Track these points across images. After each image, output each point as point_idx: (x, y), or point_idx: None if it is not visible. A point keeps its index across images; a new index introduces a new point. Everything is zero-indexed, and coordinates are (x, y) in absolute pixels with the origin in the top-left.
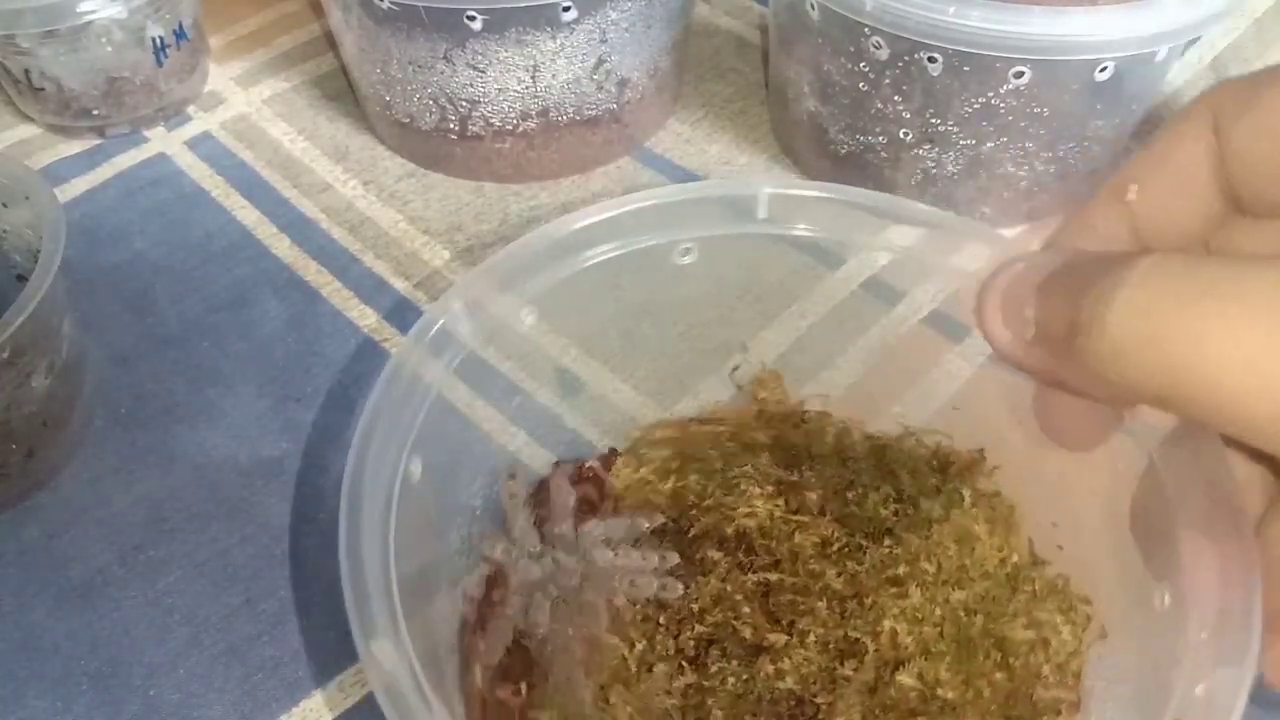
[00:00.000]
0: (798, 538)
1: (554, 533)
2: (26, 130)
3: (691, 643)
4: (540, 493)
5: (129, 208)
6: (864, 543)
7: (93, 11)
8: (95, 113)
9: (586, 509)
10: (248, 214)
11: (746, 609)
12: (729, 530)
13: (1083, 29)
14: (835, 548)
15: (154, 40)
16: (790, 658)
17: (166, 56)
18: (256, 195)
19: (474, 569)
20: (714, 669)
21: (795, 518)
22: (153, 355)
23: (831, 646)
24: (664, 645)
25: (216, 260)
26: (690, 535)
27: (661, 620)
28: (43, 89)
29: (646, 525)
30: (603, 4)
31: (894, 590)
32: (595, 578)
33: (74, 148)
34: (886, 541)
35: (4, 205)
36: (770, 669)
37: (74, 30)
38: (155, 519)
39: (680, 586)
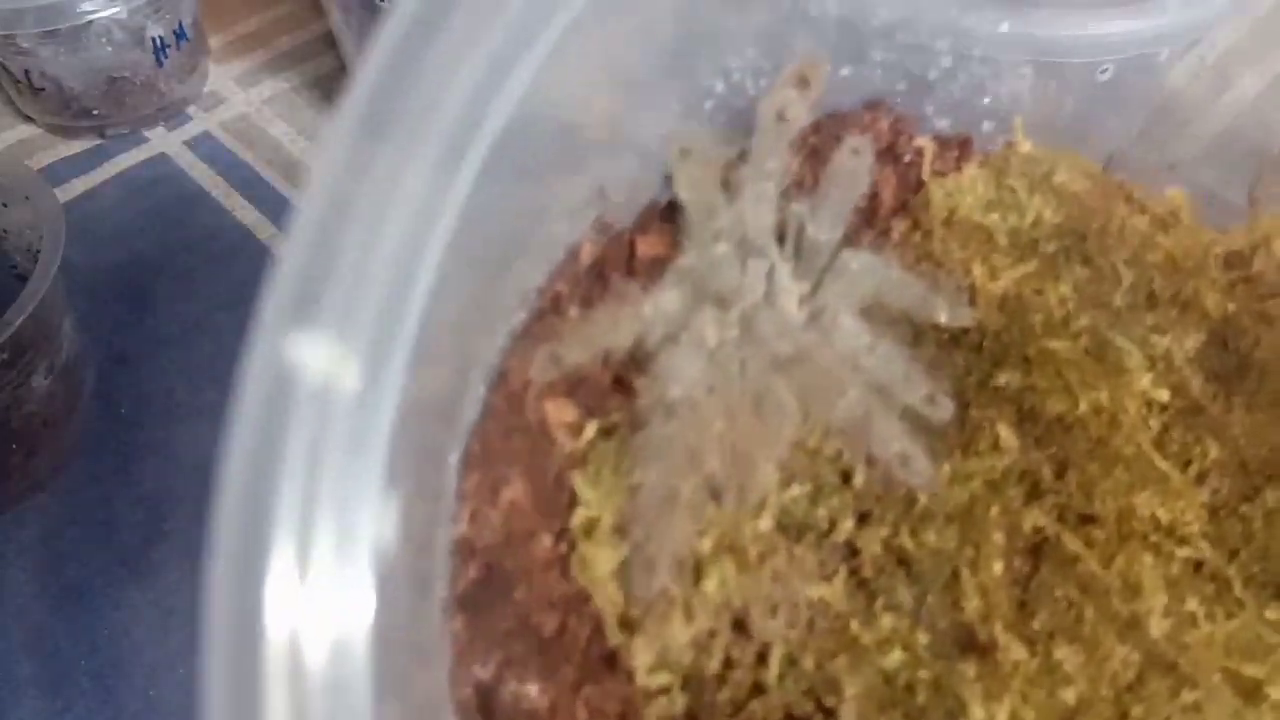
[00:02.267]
0: (1159, 506)
1: (808, 236)
2: (26, 130)
3: (879, 557)
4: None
5: (129, 208)
6: (1245, 586)
7: (93, 11)
8: (95, 113)
9: (858, 221)
10: (248, 214)
11: (998, 566)
12: (1057, 409)
13: (1083, 30)
14: (1210, 543)
15: (154, 40)
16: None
17: (166, 56)
18: (257, 195)
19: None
20: (881, 617)
21: (1149, 458)
22: (153, 355)
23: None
24: (839, 527)
25: (216, 260)
26: (993, 387)
27: (850, 498)
28: (43, 89)
29: (943, 313)
30: None
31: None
32: (811, 353)
33: (74, 148)
34: None
35: (4, 205)
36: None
37: (74, 30)
38: (155, 519)
39: (929, 471)
